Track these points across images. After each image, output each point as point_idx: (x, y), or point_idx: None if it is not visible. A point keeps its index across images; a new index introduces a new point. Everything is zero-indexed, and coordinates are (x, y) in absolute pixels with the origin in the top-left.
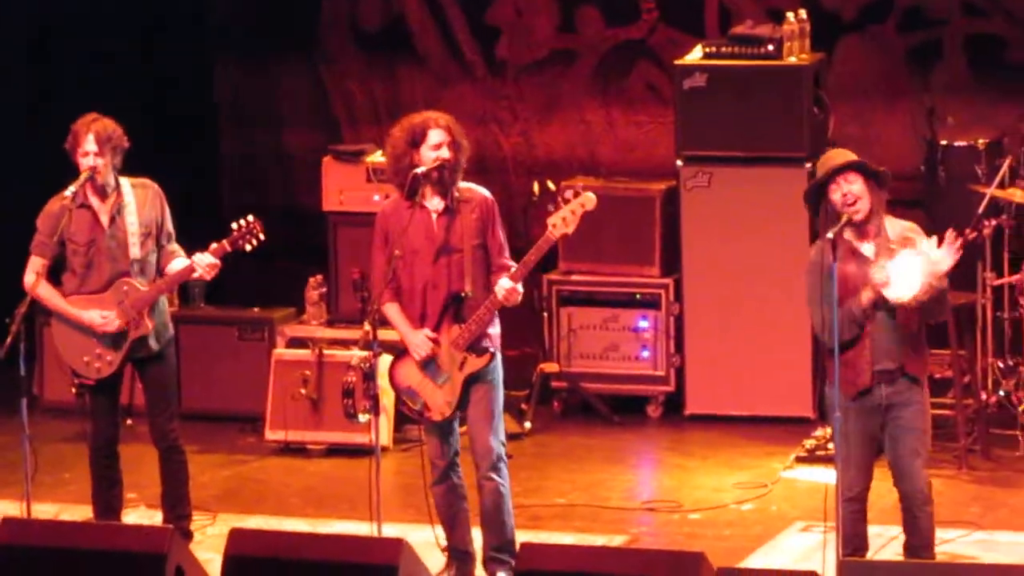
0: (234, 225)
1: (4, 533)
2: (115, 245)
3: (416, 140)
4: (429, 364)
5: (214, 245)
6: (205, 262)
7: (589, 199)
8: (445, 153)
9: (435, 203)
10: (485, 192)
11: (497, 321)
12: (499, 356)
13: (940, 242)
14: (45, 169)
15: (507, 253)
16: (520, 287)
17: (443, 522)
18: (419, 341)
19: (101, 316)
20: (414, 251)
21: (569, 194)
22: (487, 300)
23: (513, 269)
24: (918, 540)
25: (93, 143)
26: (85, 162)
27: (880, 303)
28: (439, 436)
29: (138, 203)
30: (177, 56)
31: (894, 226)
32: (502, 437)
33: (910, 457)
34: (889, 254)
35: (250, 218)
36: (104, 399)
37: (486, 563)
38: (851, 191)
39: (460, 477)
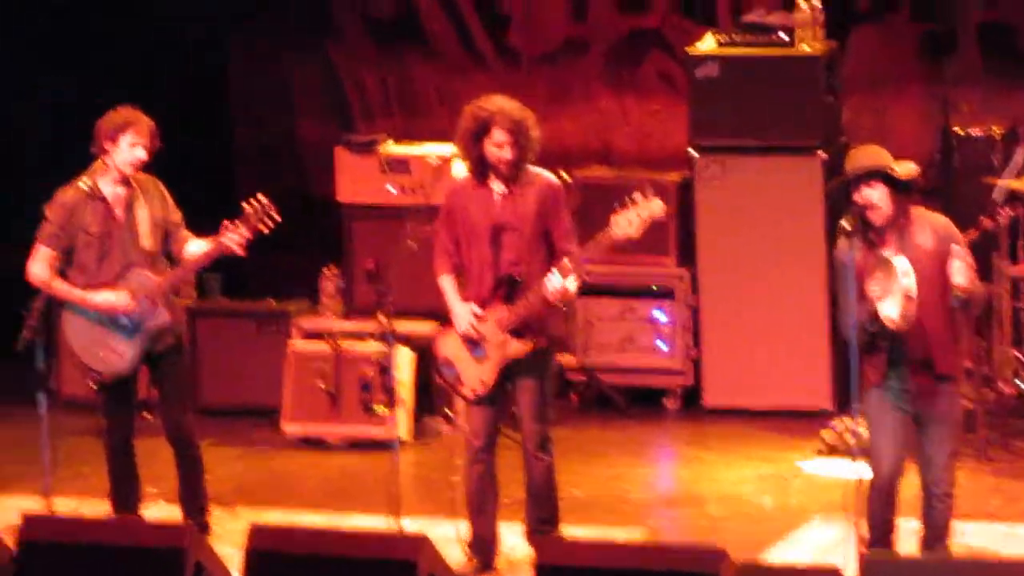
0: (246, 206)
1: (26, 530)
2: (128, 237)
3: (480, 134)
4: (470, 339)
5: (228, 224)
6: (234, 239)
7: (658, 206)
8: (507, 154)
9: (499, 186)
10: (551, 177)
11: (557, 310)
12: (549, 343)
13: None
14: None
15: (573, 239)
16: (571, 285)
17: (470, 507)
18: (462, 314)
19: (120, 297)
20: (473, 230)
21: (637, 196)
22: (534, 290)
23: (562, 266)
24: (932, 533)
25: (148, 137)
26: (136, 152)
27: (876, 318)
28: (479, 416)
29: (146, 195)
30: (190, 46)
31: (927, 222)
32: (549, 421)
33: (936, 448)
34: (879, 269)
35: (261, 198)
36: (121, 393)
37: (531, 534)
38: (871, 198)
39: (494, 463)
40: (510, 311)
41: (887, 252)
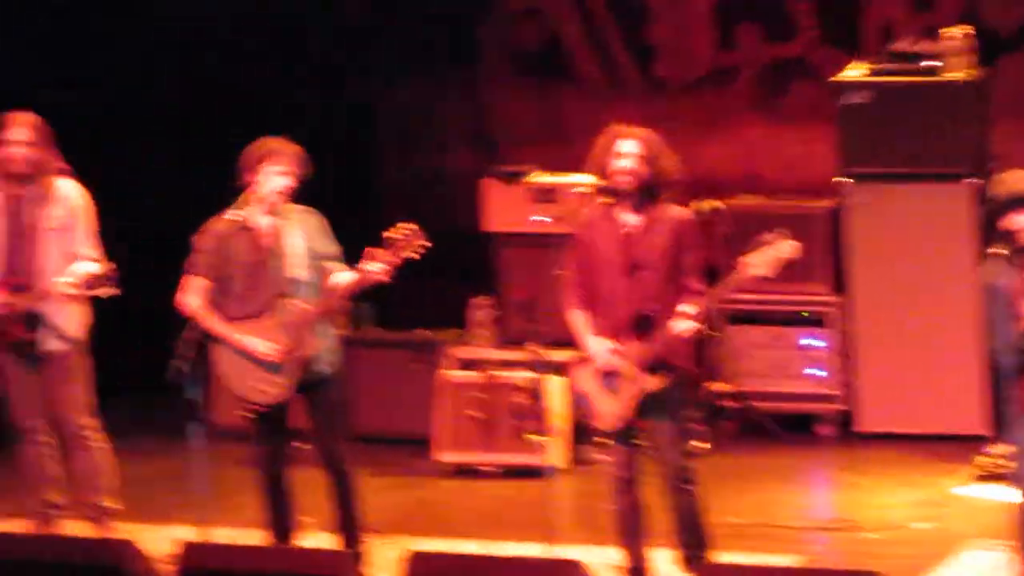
0: (393, 234)
1: (186, 557)
2: (278, 267)
3: (609, 149)
4: (606, 374)
5: (373, 252)
6: (379, 267)
7: (787, 247)
8: (629, 164)
9: (630, 218)
10: (683, 212)
11: (689, 342)
12: (684, 374)
13: None
14: (202, 189)
15: (700, 276)
16: (697, 325)
17: (623, 539)
18: (599, 350)
19: (265, 345)
20: (604, 264)
21: (770, 236)
22: (668, 326)
23: (693, 304)
24: None
25: (293, 164)
26: (279, 181)
27: None
28: (621, 450)
29: (301, 225)
30: (338, 81)
31: None
32: (688, 452)
33: None
34: None
35: (408, 226)
36: (275, 423)
37: (684, 561)
38: (1021, 224)
39: (642, 494)
40: (643, 347)
41: None
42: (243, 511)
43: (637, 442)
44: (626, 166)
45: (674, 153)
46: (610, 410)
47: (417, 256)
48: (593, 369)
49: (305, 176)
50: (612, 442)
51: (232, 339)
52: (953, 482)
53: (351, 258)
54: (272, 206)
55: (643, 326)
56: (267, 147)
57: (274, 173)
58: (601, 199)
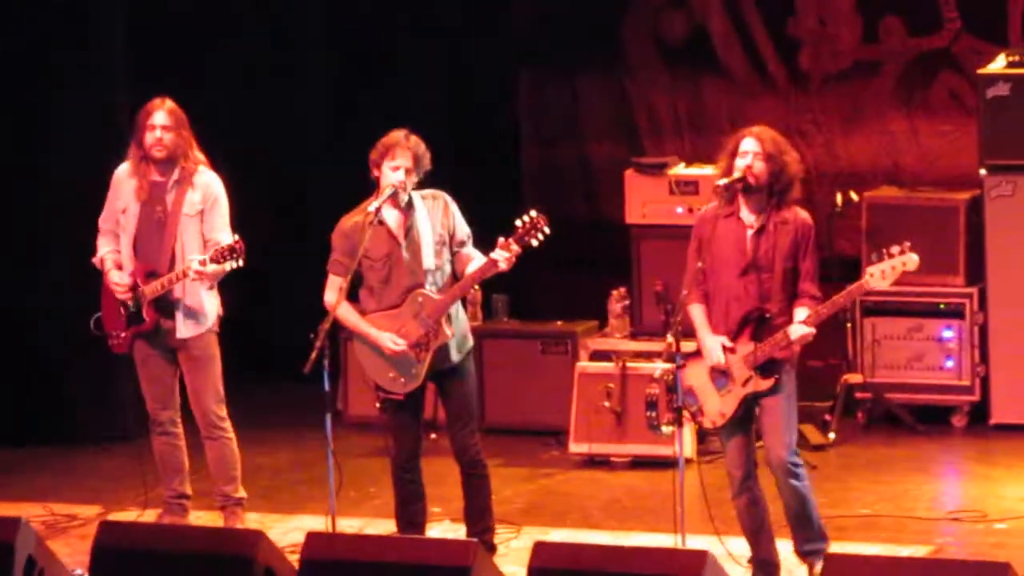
0: (518, 222)
1: (310, 547)
2: (410, 258)
3: (733, 149)
4: (716, 371)
5: (501, 241)
6: (503, 255)
7: (912, 260)
8: (749, 162)
9: (751, 218)
10: (804, 215)
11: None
12: (791, 373)
13: None
14: (348, 183)
15: (816, 281)
16: (813, 331)
17: (746, 534)
18: (713, 346)
19: (392, 340)
20: (723, 262)
21: (895, 249)
22: (782, 330)
23: (811, 310)
24: None
25: (409, 159)
26: (395, 176)
27: None
28: (733, 446)
29: (430, 213)
30: (480, 69)
31: None
32: (794, 447)
33: None
34: None
35: (533, 213)
36: (407, 413)
37: (801, 556)
38: None
39: (760, 488)
40: (757, 348)
41: None
42: (373, 501)
43: (750, 439)
44: (744, 164)
45: (796, 152)
46: (716, 407)
47: (538, 243)
48: (704, 364)
49: (426, 169)
50: (723, 440)
51: (368, 335)
52: None
53: (489, 246)
54: (393, 199)
55: (758, 326)
56: (385, 143)
57: (392, 168)
58: (723, 196)
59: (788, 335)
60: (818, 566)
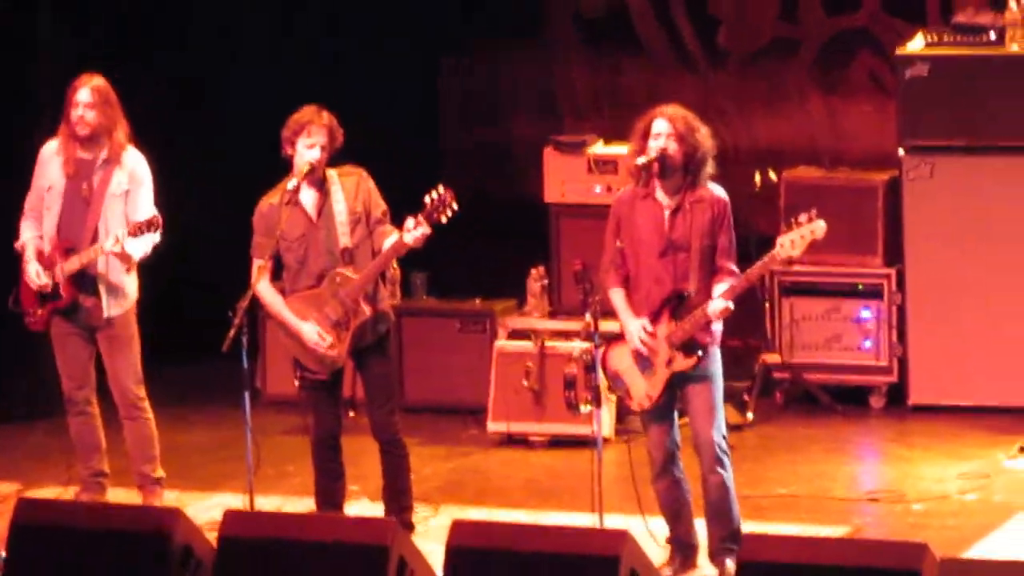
0: (426, 199)
1: (227, 525)
2: (326, 237)
3: (644, 130)
4: (639, 353)
5: (410, 220)
6: (414, 234)
7: (820, 227)
8: (662, 143)
9: (666, 198)
10: (720, 192)
11: (719, 322)
12: (715, 352)
13: None
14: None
15: (733, 257)
16: (731, 306)
17: (666, 515)
18: (635, 329)
19: (318, 334)
20: (641, 243)
21: (803, 218)
22: (701, 308)
23: (728, 285)
24: None
25: (323, 136)
26: (310, 154)
27: None
28: (655, 428)
29: (345, 191)
30: (402, 45)
31: None
32: (723, 430)
33: None
34: None
35: (441, 190)
36: (326, 392)
37: (713, 554)
38: None
39: (681, 471)
40: (678, 327)
41: None
42: (292, 480)
43: (672, 421)
44: (657, 146)
45: (709, 130)
46: (642, 389)
47: (447, 220)
48: (628, 348)
49: (340, 145)
50: (647, 421)
51: (290, 324)
52: (1002, 454)
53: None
54: (310, 178)
55: (678, 306)
56: (298, 120)
57: (306, 146)
58: (639, 178)
59: (706, 312)
60: (729, 566)
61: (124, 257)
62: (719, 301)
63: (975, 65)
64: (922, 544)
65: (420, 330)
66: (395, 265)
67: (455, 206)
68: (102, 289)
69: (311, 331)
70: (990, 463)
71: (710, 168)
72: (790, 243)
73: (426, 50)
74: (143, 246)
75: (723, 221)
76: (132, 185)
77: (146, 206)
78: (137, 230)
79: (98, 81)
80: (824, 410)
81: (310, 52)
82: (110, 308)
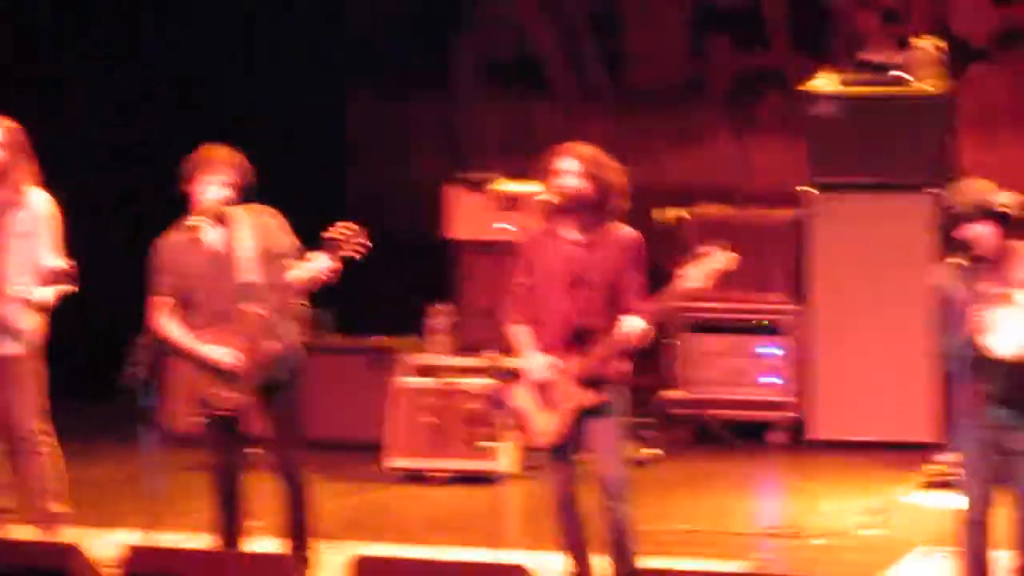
0: (338, 235)
1: (132, 561)
2: (230, 273)
3: (551, 168)
4: (542, 390)
5: (320, 254)
6: (319, 267)
7: (723, 259)
8: (570, 182)
9: (575, 235)
10: (629, 230)
11: (627, 357)
12: (621, 389)
13: None
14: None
15: (642, 296)
16: (646, 325)
17: (566, 549)
18: (537, 365)
19: (229, 354)
20: (547, 279)
21: (707, 249)
22: (609, 338)
23: (634, 320)
24: None
25: (228, 173)
26: (211, 191)
27: (978, 347)
28: (556, 464)
29: (253, 228)
30: (310, 84)
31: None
32: (625, 466)
33: None
34: (997, 302)
35: (353, 227)
36: (230, 428)
37: None
38: (977, 234)
39: (581, 505)
40: (582, 362)
41: (1016, 289)
42: (193, 516)
43: (574, 457)
44: (564, 184)
45: (618, 167)
46: (546, 426)
47: (357, 256)
48: (529, 384)
49: (247, 183)
50: (549, 458)
51: (194, 351)
52: (902, 489)
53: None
54: (215, 215)
55: (582, 341)
56: (202, 157)
57: (209, 183)
58: (546, 215)
59: (616, 338)
60: None
61: (31, 304)
62: (634, 319)
63: (882, 103)
64: None
65: (326, 367)
66: (304, 302)
67: (366, 242)
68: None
69: (223, 353)
70: (889, 498)
71: (619, 207)
72: (694, 274)
73: (334, 89)
74: (51, 293)
75: (634, 260)
76: (37, 226)
77: (51, 248)
78: (49, 276)
79: (7, 123)
80: (725, 446)
81: (220, 92)
82: (7, 345)
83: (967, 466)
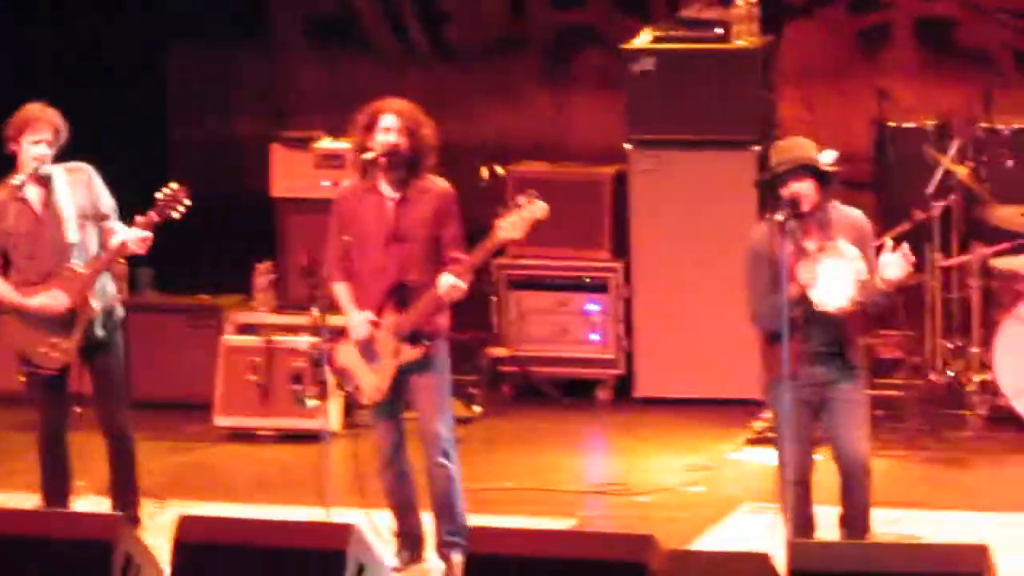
0: (158, 195)
1: None
2: (53, 232)
3: (370, 124)
4: (366, 347)
5: (140, 218)
6: (135, 235)
7: (540, 208)
8: (392, 138)
9: (390, 190)
10: (444, 184)
11: (445, 312)
12: (442, 345)
13: (881, 249)
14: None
15: (461, 247)
16: (463, 284)
17: (392, 507)
18: (358, 322)
19: (48, 296)
20: (365, 235)
21: (522, 199)
22: (428, 293)
23: (454, 275)
24: (853, 511)
25: (49, 132)
26: (36, 150)
27: (804, 302)
28: (382, 421)
29: (71, 187)
30: (130, 40)
31: (844, 215)
32: (450, 423)
33: (847, 429)
34: (822, 254)
35: (174, 185)
36: (53, 387)
37: (439, 547)
38: (799, 191)
39: (408, 463)
40: (403, 317)
41: (838, 242)
42: (18, 476)
43: (399, 415)
44: (386, 140)
45: (433, 124)
46: (372, 383)
47: (179, 216)
48: (353, 342)
49: (64, 141)
50: (374, 416)
51: (21, 304)
52: (727, 446)
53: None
54: (36, 174)
55: (402, 297)
56: (23, 117)
57: (31, 143)
58: (362, 172)
59: (434, 292)
60: (455, 559)
61: None
62: (449, 277)
63: (701, 59)
64: (648, 536)
65: (147, 325)
66: (121, 260)
67: (187, 202)
68: None
69: (41, 300)
70: (715, 455)
71: (432, 161)
72: (510, 225)
73: (153, 44)
74: None
75: (449, 212)
76: None
77: None
78: None
79: None
80: (551, 403)
81: (37, 48)
82: None
83: (784, 427)
